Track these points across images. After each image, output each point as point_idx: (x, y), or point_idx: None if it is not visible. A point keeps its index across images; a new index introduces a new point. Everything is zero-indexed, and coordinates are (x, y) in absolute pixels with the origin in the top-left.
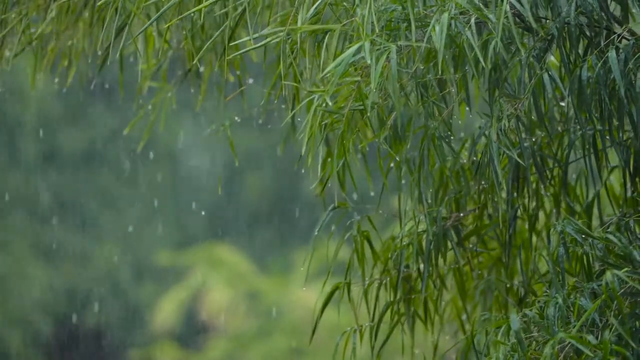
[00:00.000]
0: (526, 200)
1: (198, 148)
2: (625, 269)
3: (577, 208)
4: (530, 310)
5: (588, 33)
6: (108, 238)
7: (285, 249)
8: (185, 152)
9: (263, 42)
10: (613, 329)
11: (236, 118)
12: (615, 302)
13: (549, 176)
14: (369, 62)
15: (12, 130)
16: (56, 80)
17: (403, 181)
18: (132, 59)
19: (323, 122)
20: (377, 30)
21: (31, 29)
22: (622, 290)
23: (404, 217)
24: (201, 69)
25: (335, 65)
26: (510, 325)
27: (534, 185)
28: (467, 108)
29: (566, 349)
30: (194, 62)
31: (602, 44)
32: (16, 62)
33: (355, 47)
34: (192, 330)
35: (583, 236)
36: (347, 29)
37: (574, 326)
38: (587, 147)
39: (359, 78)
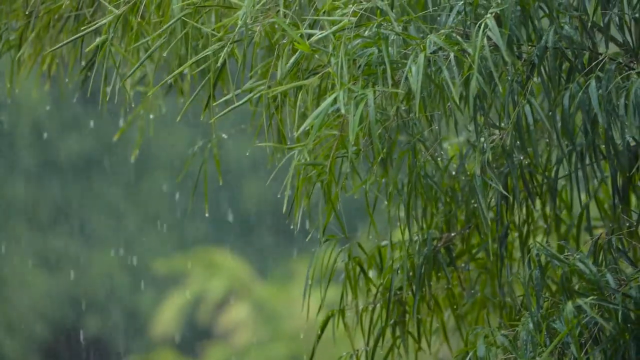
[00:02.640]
0: (516, 217)
1: (197, 155)
2: (591, 297)
3: (567, 218)
4: (514, 330)
5: (570, 56)
6: (107, 245)
7: (284, 256)
8: (184, 159)
9: (245, 99)
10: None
11: (223, 135)
12: (579, 329)
13: (539, 192)
14: (343, 112)
15: (10, 139)
16: (47, 86)
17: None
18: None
19: (307, 175)
20: (351, 77)
21: (10, 37)
22: (587, 318)
23: (395, 237)
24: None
25: (313, 118)
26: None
27: (521, 197)
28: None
29: None
30: (179, 117)
31: (586, 66)
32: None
33: (331, 97)
34: (191, 337)
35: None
36: (327, 72)
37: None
38: (573, 163)
39: (336, 132)
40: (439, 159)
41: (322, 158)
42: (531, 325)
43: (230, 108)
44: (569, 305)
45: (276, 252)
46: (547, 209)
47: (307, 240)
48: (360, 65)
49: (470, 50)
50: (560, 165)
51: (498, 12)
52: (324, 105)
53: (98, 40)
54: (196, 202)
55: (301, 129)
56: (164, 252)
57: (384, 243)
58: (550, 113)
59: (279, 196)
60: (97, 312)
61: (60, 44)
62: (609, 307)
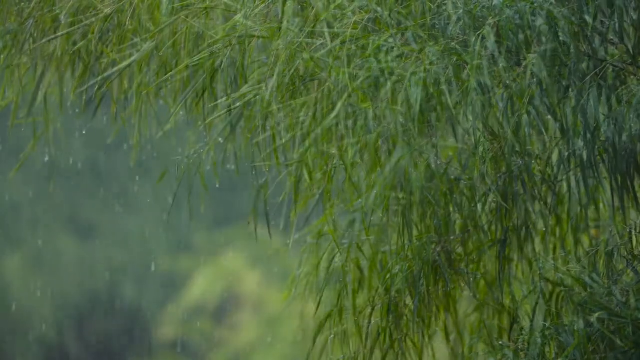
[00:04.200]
0: (515, 220)
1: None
2: (599, 313)
3: (566, 220)
4: (517, 340)
5: (569, 63)
6: (109, 246)
7: (288, 258)
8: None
9: (239, 104)
10: None
11: (220, 139)
12: (590, 344)
13: (539, 195)
14: (343, 132)
15: (15, 141)
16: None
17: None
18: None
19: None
20: (351, 89)
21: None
22: (597, 333)
23: (393, 241)
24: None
25: (313, 138)
26: None
27: (523, 197)
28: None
29: None
30: (171, 117)
31: (586, 72)
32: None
33: (332, 115)
34: (193, 340)
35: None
36: (326, 84)
37: None
38: (572, 167)
39: (334, 151)
40: (437, 161)
41: (320, 170)
42: (540, 340)
43: (222, 112)
44: (581, 323)
45: (280, 255)
46: (547, 212)
47: (306, 245)
48: (359, 79)
49: (468, 58)
50: (559, 169)
51: (496, 22)
52: (324, 124)
53: (85, 40)
54: (198, 204)
55: (300, 152)
56: (166, 255)
57: (384, 249)
58: (549, 117)
59: (272, 215)
60: (98, 314)
61: (47, 38)
62: (616, 321)
